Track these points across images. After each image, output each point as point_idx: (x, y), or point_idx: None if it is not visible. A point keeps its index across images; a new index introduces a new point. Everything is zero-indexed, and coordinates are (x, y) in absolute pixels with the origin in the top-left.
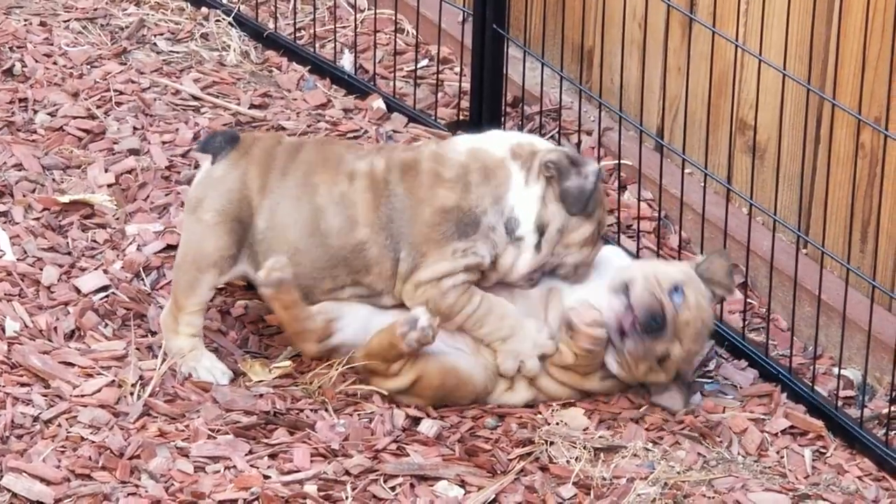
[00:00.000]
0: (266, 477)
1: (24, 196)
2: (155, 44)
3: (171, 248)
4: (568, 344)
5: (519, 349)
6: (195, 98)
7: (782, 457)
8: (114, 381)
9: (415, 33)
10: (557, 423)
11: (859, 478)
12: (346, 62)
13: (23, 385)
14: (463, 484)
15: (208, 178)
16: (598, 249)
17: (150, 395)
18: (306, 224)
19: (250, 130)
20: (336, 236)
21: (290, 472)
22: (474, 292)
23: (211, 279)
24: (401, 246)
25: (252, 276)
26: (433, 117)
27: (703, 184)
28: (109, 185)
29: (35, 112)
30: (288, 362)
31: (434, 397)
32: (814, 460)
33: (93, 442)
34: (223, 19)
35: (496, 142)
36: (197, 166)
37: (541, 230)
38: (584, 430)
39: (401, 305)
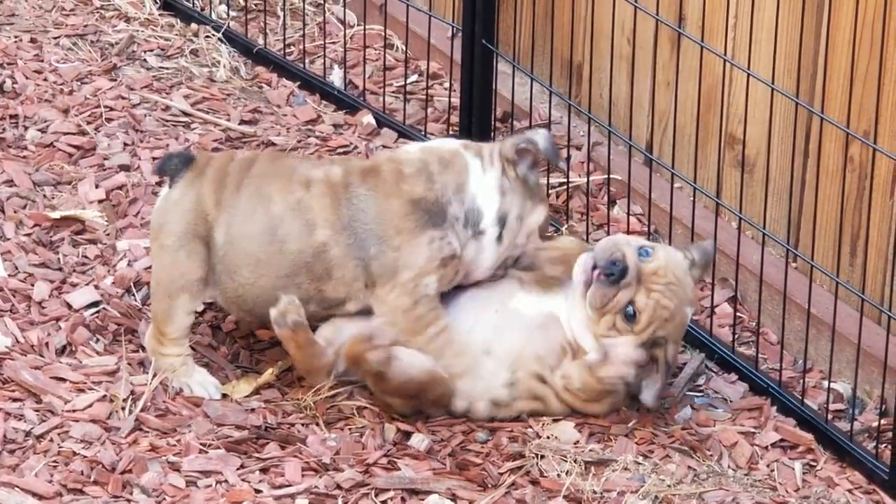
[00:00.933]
0: (257, 491)
1: (15, 212)
2: (145, 60)
3: None
4: (580, 367)
5: (469, 390)
6: (185, 114)
7: (772, 470)
8: (105, 395)
9: (404, 49)
10: (548, 437)
11: (849, 491)
12: (336, 78)
13: (14, 400)
14: (454, 498)
15: (167, 203)
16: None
17: (142, 410)
18: (263, 233)
19: (240, 146)
20: (295, 241)
21: (281, 486)
22: (442, 314)
23: (184, 305)
24: (368, 244)
25: (218, 301)
26: (423, 132)
27: (692, 198)
28: (100, 201)
29: (26, 128)
30: (270, 370)
31: (413, 398)
32: (804, 473)
33: (84, 456)
34: (213, 35)
35: (444, 140)
36: None
37: (502, 221)
38: (575, 443)
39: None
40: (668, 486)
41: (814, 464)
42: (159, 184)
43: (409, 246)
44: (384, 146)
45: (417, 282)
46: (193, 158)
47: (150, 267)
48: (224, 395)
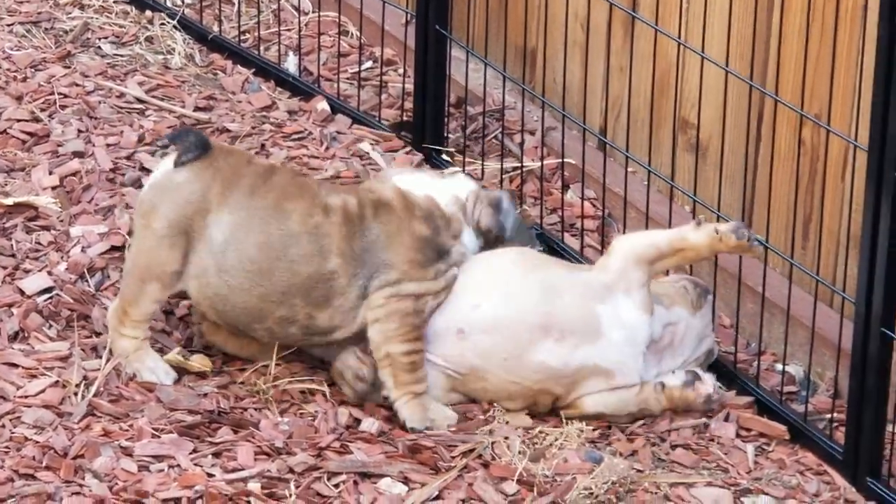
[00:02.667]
0: (210, 475)
1: None
2: (99, 47)
3: (116, 249)
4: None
5: (427, 405)
6: (140, 101)
7: (725, 452)
8: (58, 381)
9: (358, 35)
10: (500, 422)
11: (801, 472)
12: (291, 64)
13: None
14: (406, 481)
15: (167, 182)
16: None
17: (95, 396)
18: (274, 247)
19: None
20: (306, 264)
21: (233, 471)
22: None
23: (153, 293)
24: (378, 272)
25: (191, 293)
26: (377, 118)
27: (646, 182)
28: (54, 188)
29: None
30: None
31: None
32: (756, 455)
33: (37, 442)
34: (168, 22)
35: (443, 194)
36: (142, 168)
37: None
38: (528, 428)
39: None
40: (621, 468)
41: (766, 446)
42: (114, 170)
43: (417, 273)
44: (338, 132)
45: (419, 297)
46: (210, 147)
47: (103, 253)
48: (177, 380)
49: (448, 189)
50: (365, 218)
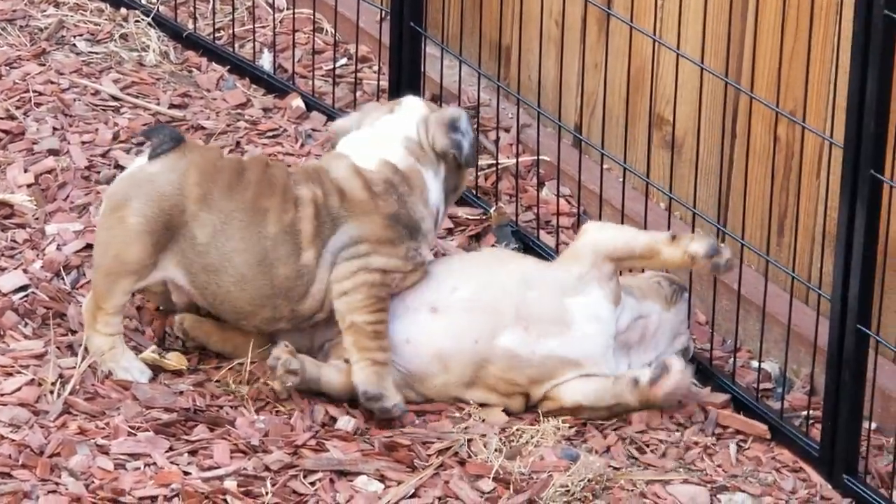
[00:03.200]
0: (186, 473)
1: None
2: (74, 45)
3: (91, 247)
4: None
5: (385, 376)
6: (115, 98)
7: (702, 449)
8: (34, 379)
9: (333, 32)
10: (477, 419)
11: (777, 469)
12: (266, 62)
13: None
14: (382, 479)
15: (141, 175)
16: None
17: (71, 394)
18: (255, 253)
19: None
20: (284, 265)
21: (210, 469)
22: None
23: (127, 286)
24: (346, 246)
25: (179, 282)
26: None
27: (621, 179)
28: (29, 185)
29: None
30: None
31: None
32: (733, 453)
33: (13, 440)
34: (142, 20)
35: (394, 148)
36: (117, 166)
37: (447, 195)
38: (503, 425)
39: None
40: (597, 466)
41: (743, 443)
42: (89, 168)
43: (387, 250)
44: (313, 129)
45: (387, 272)
46: (183, 139)
47: (79, 251)
48: (152, 378)
49: (398, 134)
50: (331, 208)
